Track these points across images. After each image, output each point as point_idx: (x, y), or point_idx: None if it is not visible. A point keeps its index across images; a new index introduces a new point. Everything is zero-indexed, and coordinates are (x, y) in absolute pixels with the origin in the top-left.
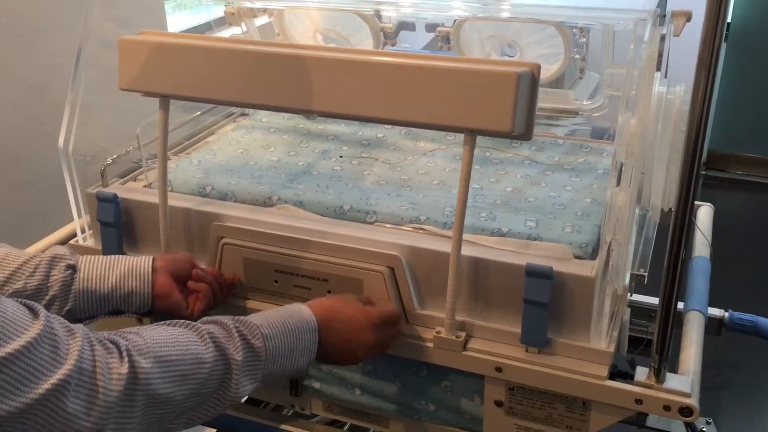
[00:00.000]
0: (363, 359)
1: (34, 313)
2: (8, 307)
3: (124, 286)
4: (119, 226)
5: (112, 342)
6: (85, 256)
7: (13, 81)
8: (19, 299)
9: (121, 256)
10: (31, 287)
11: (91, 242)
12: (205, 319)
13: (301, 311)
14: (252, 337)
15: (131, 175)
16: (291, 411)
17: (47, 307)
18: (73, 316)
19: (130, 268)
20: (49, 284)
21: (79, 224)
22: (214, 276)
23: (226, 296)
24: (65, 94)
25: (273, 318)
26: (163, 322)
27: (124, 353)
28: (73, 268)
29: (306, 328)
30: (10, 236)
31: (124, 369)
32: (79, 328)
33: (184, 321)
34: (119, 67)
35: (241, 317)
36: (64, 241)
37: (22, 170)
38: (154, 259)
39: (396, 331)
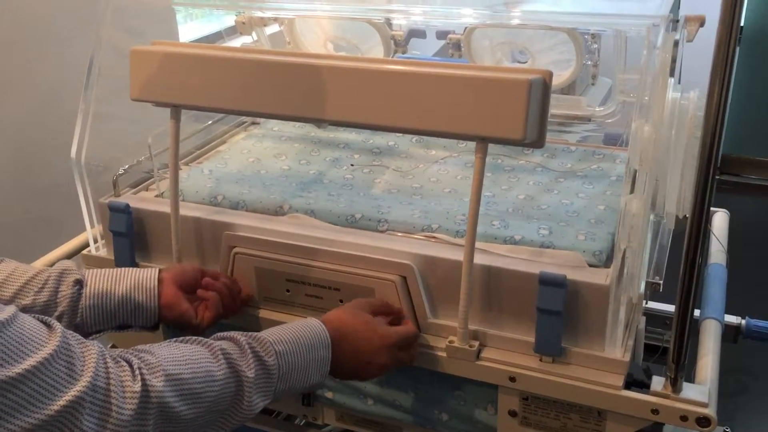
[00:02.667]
0: (376, 377)
1: (50, 329)
2: (26, 323)
3: (131, 300)
4: (131, 235)
5: (125, 359)
6: (91, 270)
7: (26, 91)
8: (34, 315)
9: (127, 268)
10: (40, 303)
11: (103, 252)
12: (218, 335)
13: (315, 327)
14: (265, 354)
15: (143, 184)
16: (303, 421)
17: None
18: (80, 331)
19: (136, 283)
20: (58, 300)
21: (92, 234)
22: (225, 284)
23: (238, 308)
24: (78, 103)
25: (287, 334)
26: (176, 339)
27: (137, 371)
28: (80, 284)
29: (319, 344)
30: (24, 245)
31: (137, 387)
32: (93, 343)
33: (197, 338)
34: (131, 78)
35: (255, 333)
36: (76, 251)
37: (35, 180)
38: (160, 271)
39: (413, 352)
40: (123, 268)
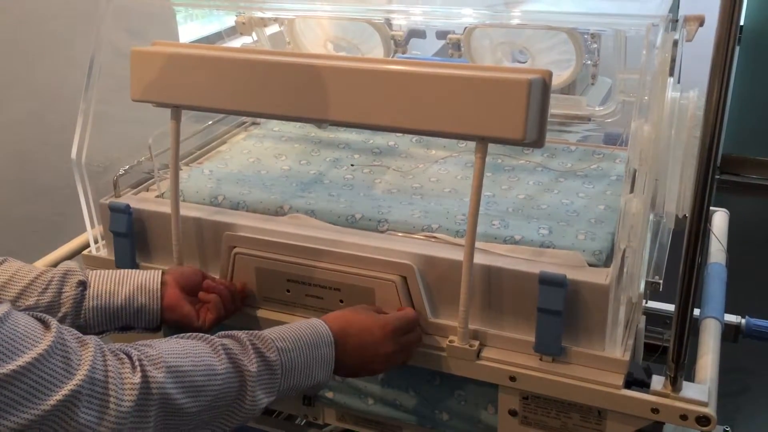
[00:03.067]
0: (382, 370)
1: (46, 326)
2: (20, 321)
3: (134, 302)
4: (132, 236)
5: (124, 353)
6: (95, 272)
7: (26, 91)
8: (31, 312)
9: (131, 270)
10: (44, 304)
11: (104, 252)
12: (218, 333)
13: (316, 325)
14: (266, 350)
15: (144, 185)
16: (304, 420)
17: (59, 323)
18: (83, 332)
19: (139, 285)
20: (62, 301)
21: (92, 234)
22: (226, 286)
23: (238, 307)
24: (78, 104)
25: (288, 332)
26: (176, 335)
27: (137, 363)
28: (83, 285)
29: (321, 342)
30: (24, 246)
31: (137, 379)
32: (91, 338)
33: (197, 334)
34: (131, 78)
35: (255, 331)
36: (77, 251)
37: (36, 180)
38: (163, 273)
39: (415, 337)
40: (126, 270)
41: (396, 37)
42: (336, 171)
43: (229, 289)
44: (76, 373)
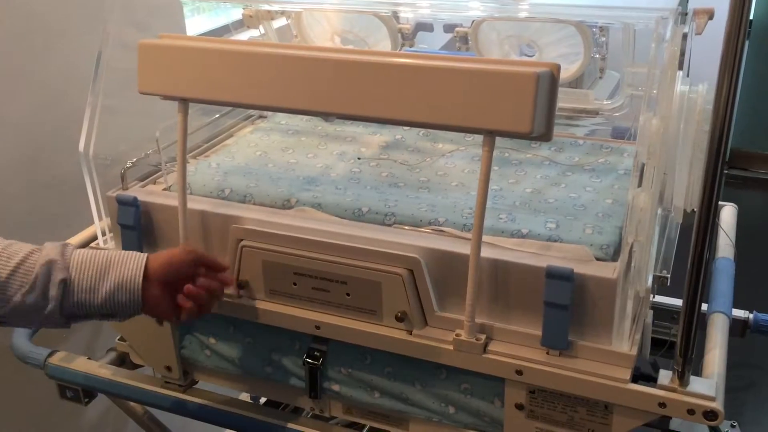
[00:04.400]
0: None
1: None
2: None
3: (113, 299)
4: (139, 228)
5: None
6: (76, 261)
7: (33, 85)
8: None
9: (113, 254)
10: (30, 303)
11: (111, 245)
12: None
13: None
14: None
15: (151, 178)
16: (310, 413)
17: (48, 317)
18: (67, 319)
19: (120, 282)
20: (48, 299)
21: (100, 227)
22: (207, 289)
23: (219, 300)
24: (85, 98)
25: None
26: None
27: None
28: (65, 282)
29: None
30: (33, 239)
31: None
32: None
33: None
34: (138, 71)
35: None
36: (85, 244)
37: (44, 174)
38: (147, 265)
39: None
40: (109, 254)
41: (403, 31)
42: (343, 164)
43: (209, 293)
44: None
